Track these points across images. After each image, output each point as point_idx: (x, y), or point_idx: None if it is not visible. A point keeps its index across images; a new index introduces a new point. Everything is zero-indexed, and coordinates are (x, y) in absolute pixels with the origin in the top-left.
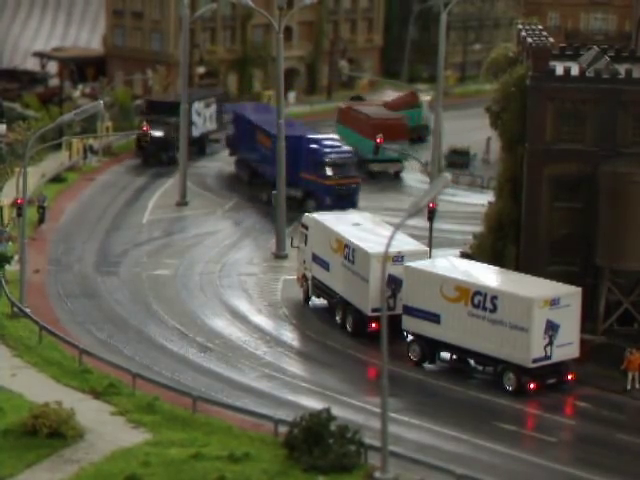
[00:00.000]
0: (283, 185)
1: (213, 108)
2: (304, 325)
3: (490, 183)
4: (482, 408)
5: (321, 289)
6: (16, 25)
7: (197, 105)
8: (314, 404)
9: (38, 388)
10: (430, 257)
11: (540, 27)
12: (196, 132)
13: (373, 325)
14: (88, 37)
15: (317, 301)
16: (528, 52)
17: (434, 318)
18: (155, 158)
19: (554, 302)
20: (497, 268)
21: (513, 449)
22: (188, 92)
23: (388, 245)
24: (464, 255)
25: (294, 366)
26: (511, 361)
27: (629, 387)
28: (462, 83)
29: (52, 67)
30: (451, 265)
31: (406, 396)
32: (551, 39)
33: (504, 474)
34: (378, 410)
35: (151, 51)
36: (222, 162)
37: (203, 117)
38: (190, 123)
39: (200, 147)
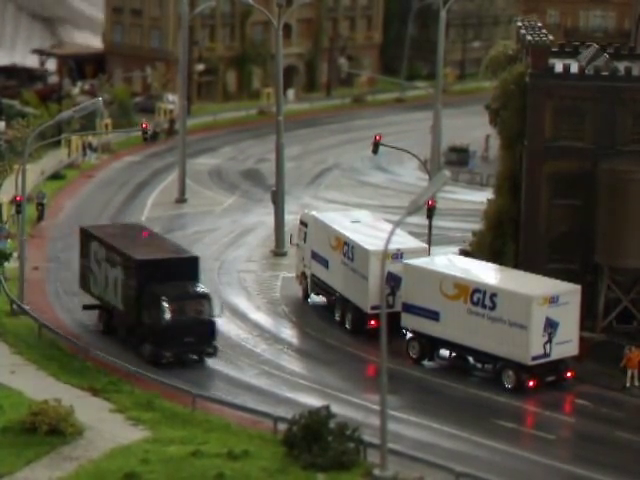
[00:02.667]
0: (283, 183)
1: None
2: (303, 322)
3: (489, 180)
4: (481, 405)
5: (320, 286)
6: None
7: (96, 247)
8: (313, 401)
9: (37, 385)
10: (429, 255)
11: (539, 24)
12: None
13: (372, 322)
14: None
15: (316, 298)
16: (527, 49)
17: (433, 315)
18: None
19: (553, 300)
20: (496, 266)
21: (512, 446)
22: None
23: (387, 242)
24: (463, 252)
25: (293, 364)
26: (510, 359)
27: (628, 384)
28: (461, 81)
29: (51, 64)
30: (450, 263)
31: (405, 393)
32: (550, 36)
33: (503, 471)
34: (377, 407)
35: (150, 48)
36: (221, 159)
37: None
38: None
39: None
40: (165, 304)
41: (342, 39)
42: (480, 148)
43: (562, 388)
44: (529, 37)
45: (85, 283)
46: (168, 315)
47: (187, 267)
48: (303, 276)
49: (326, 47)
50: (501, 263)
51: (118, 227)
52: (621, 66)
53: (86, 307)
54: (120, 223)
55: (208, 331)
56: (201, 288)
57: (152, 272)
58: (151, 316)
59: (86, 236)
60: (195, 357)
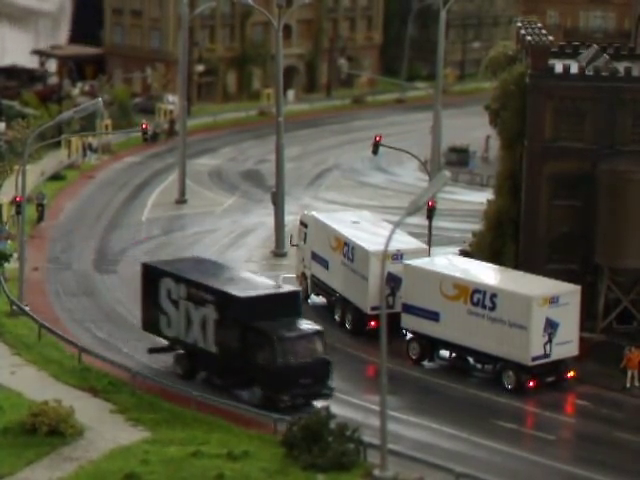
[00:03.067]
0: (283, 184)
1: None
2: None
3: (489, 181)
4: (481, 406)
5: (320, 287)
6: None
7: (169, 284)
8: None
9: (37, 386)
10: (429, 255)
11: (539, 25)
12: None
13: (372, 323)
14: None
15: (316, 299)
16: (527, 50)
17: (433, 316)
18: None
19: (553, 300)
20: (496, 266)
21: (512, 447)
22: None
23: (387, 243)
24: (463, 253)
25: None
26: (510, 359)
27: (628, 385)
28: (461, 81)
29: (51, 65)
30: (450, 263)
31: (405, 394)
32: (550, 37)
33: (503, 472)
34: (377, 408)
35: (150, 49)
36: (221, 160)
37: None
38: None
39: None
40: (279, 344)
41: (342, 40)
42: (480, 149)
43: (562, 389)
44: (529, 38)
45: (152, 325)
46: (283, 356)
47: (290, 302)
48: (303, 277)
49: (326, 48)
50: (501, 264)
51: (188, 261)
52: (621, 67)
53: (153, 350)
54: (187, 257)
55: (325, 371)
56: (312, 324)
57: (257, 310)
58: (262, 357)
59: (153, 273)
60: (304, 400)
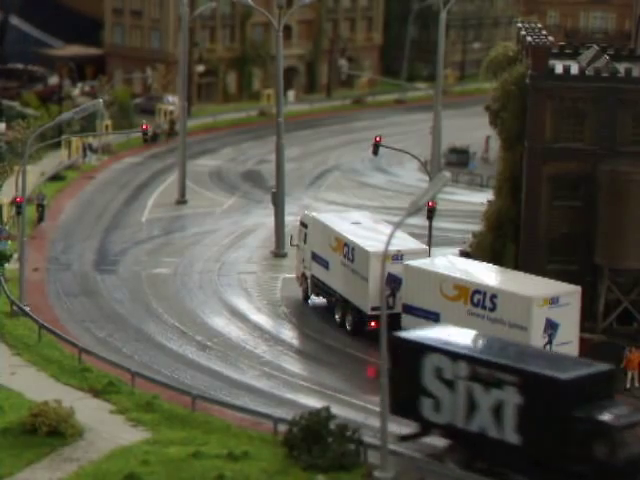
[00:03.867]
0: (283, 185)
1: None
2: (303, 324)
3: (489, 182)
4: None
5: (320, 288)
6: None
7: (440, 361)
8: (313, 403)
9: (37, 387)
10: (429, 256)
11: (539, 26)
12: None
13: (372, 324)
14: None
15: (316, 300)
16: (527, 51)
17: (433, 317)
18: None
19: (553, 301)
20: (496, 267)
21: None
22: None
23: (387, 244)
24: (463, 254)
25: (293, 365)
26: None
27: (628, 386)
28: (461, 82)
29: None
30: (450, 264)
31: None
32: (550, 38)
33: (503, 473)
34: (377, 409)
35: (150, 49)
36: (222, 160)
37: None
38: None
39: None
40: (619, 434)
41: (342, 40)
42: (480, 149)
43: None
44: (529, 38)
45: (409, 408)
46: (624, 448)
47: (609, 381)
48: (303, 277)
49: (326, 48)
50: (501, 264)
51: (451, 331)
52: (621, 67)
53: (406, 438)
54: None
55: None
56: (633, 407)
57: (579, 393)
58: (598, 451)
59: (413, 347)
60: None
